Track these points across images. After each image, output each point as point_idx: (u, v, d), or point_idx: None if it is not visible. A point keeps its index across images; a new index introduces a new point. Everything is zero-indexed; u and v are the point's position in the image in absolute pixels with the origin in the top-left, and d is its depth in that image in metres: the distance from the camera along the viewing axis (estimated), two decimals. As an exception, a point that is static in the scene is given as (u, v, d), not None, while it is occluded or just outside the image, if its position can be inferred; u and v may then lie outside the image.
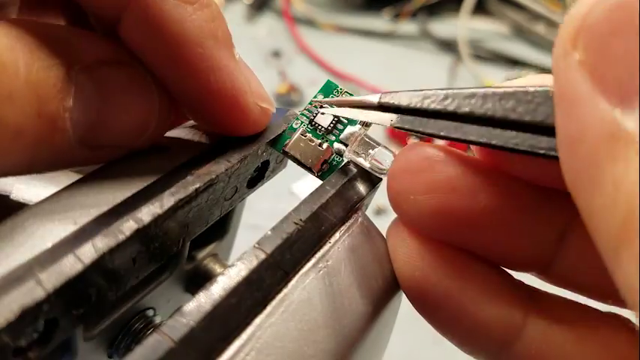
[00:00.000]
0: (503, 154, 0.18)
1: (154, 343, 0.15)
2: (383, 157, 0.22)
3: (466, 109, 0.18)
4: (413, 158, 0.20)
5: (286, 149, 0.22)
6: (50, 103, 0.17)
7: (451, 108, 0.18)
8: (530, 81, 0.19)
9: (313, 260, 0.19)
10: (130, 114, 0.20)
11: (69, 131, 0.18)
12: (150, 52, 0.20)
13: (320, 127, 0.23)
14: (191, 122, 0.24)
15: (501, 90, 0.17)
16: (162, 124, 0.21)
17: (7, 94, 0.16)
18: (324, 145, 0.22)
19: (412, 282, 0.20)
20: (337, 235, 0.20)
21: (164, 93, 0.21)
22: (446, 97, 0.18)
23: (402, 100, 0.20)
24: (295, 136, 0.23)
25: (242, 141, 0.22)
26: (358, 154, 0.22)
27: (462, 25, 0.92)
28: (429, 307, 0.20)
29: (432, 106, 0.19)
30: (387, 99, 0.20)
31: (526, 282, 0.21)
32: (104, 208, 0.18)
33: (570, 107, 0.14)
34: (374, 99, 0.20)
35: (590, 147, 0.13)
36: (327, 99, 0.23)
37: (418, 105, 0.19)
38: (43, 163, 0.19)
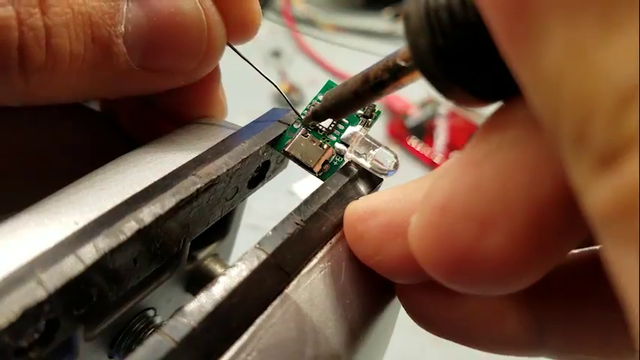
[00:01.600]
0: None
1: (155, 344, 0.15)
2: (384, 158, 0.22)
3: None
4: (352, 222, 0.19)
5: (287, 149, 0.22)
6: (102, 29, 0.19)
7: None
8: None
9: (314, 260, 0.19)
10: (182, 38, 0.21)
11: (124, 56, 0.20)
12: None
13: (321, 127, 0.23)
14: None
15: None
16: (214, 45, 0.22)
17: (63, 22, 0.18)
18: (325, 146, 0.22)
19: (424, 319, 0.19)
20: (338, 234, 0.20)
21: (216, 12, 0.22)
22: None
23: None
24: (296, 137, 0.23)
25: (243, 141, 0.22)
26: (359, 155, 0.22)
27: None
28: (444, 334, 0.19)
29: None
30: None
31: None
32: (105, 208, 0.18)
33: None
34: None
35: None
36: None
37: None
38: (104, 87, 0.21)
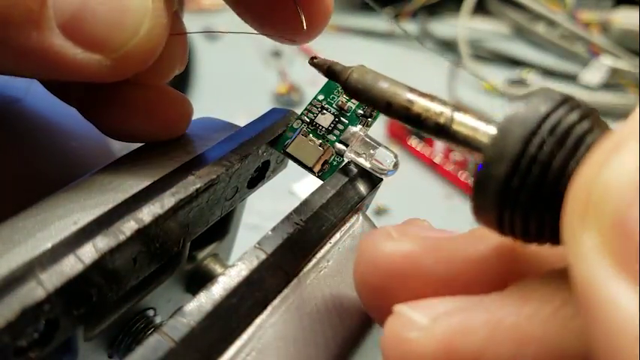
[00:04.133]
0: None
1: (154, 343, 0.15)
2: (383, 158, 0.22)
3: None
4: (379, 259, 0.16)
5: (287, 149, 0.22)
6: None
7: None
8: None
9: (314, 260, 0.19)
10: (120, 10, 0.18)
11: (49, 15, 0.17)
12: None
13: (320, 127, 0.23)
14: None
15: None
16: (158, 24, 0.19)
17: None
18: (325, 146, 0.22)
19: None
20: (338, 235, 0.20)
21: None
22: None
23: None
24: (296, 137, 0.23)
25: (242, 141, 0.22)
26: (359, 154, 0.22)
27: (462, 25, 0.92)
28: None
29: None
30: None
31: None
32: (105, 208, 0.18)
33: (596, 312, 0.10)
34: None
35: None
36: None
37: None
38: (22, 56, 0.17)
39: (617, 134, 0.12)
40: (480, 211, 0.14)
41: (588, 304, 0.11)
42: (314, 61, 0.19)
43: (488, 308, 0.14)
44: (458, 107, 0.16)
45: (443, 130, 0.16)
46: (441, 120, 0.16)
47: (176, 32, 0.20)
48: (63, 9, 0.17)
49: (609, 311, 0.10)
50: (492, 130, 0.15)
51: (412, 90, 0.17)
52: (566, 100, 0.14)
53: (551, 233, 0.13)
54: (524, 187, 0.13)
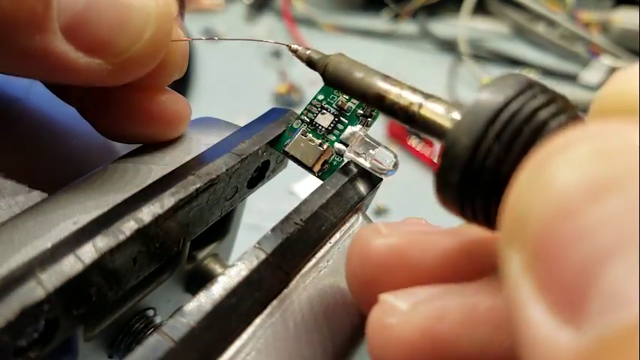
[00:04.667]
0: None
1: (154, 343, 0.15)
2: (383, 157, 0.22)
3: None
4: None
5: (287, 149, 0.22)
6: None
7: None
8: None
9: (314, 260, 0.19)
10: (122, 12, 0.18)
11: (52, 18, 0.17)
12: None
13: (320, 127, 0.23)
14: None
15: None
16: (162, 29, 0.19)
17: None
18: (325, 145, 0.22)
19: None
20: (338, 235, 0.20)
21: None
22: None
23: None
24: (296, 137, 0.23)
25: (242, 141, 0.22)
26: (358, 154, 0.22)
27: (462, 25, 0.92)
28: None
29: None
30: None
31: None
32: (104, 208, 0.18)
33: (519, 335, 0.11)
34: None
35: None
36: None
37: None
38: (24, 59, 0.17)
39: (557, 141, 0.11)
40: (442, 196, 0.14)
41: (513, 324, 0.11)
42: (295, 52, 0.20)
43: (464, 294, 0.14)
44: (429, 96, 0.16)
45: (412, 118, 0.16)
46: (411, 108, 0.16)
47: (177, 39, 0.20)
48: (66, 12, 0.17)
49: (529, 338, 0.10)
50: (457, 117, 0.15)
51: (386, 78, 0.17)
52: (532, 85, 0.13)
53: None
54: (482, 173, 0.13)
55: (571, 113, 0.13)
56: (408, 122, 0.16)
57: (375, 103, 0.17)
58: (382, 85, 0.16)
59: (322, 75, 0.18)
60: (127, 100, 0.21)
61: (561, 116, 0.13)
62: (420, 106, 0.16)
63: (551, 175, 0.10)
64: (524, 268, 0.10)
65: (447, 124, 0.15)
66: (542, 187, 0.10)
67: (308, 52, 0.19)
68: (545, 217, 0.10)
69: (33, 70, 0.18)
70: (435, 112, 0.15)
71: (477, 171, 0.13)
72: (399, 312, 0.15)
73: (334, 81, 0.18)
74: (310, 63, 0.19)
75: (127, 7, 0.18)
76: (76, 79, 0.18)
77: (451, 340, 0.14)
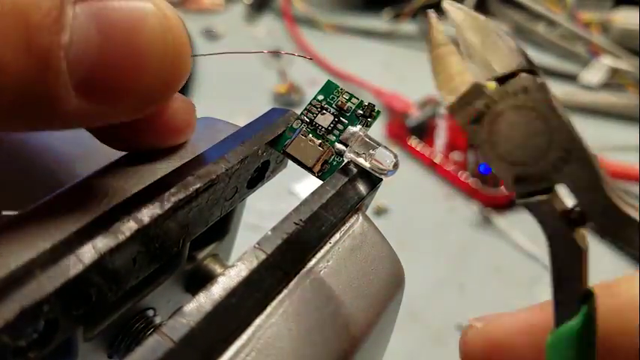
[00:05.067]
0: None
1: (153, 344, 0.15)
2: (383, 158, 0.22)
3: None
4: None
5: (286, 150, 0.22)
6: (43, 35, 0.14)
7: None
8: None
9: (314, 260, 0.19)
10: (139, 62, 0.17)
11: (64, 74, 0.15)
12: None
13: (320, 127, 0.23)
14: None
15: None
16: (183, 55, 0.18)
17: None
18: (325, 146, 0.22)
19: None
20: (337, 235, 0.20)
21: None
22: None
23: None
24: (295, 137, 0.23)
25: (242, 141, 0.22)
26: (359, 155, 0.22)
27: (462, 25, 0.91)
28: None
29: None
30: None
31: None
32: (104, 208, 0.18)
33: None
34: None
35: None
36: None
37: None
38: (32, 114, 0.16)
39: None
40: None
41: None
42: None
43: None
44: None
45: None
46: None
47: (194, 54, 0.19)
48: (79, 70, 0.16)
49: None
50: None
51: None
52: None
53: None
54: None
55: None
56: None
57: None
58: None
59: None
60: None
61: None
62: None
63: None
64: None
65: None
66: None
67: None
68: None
69: (41, 129, 0.17)
70: None
71: None
72: None
73: None
74: None
75: (143, 46, 0.16)
76: (89, 125, 0.18)
77: None
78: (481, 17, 0.16)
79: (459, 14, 0.16)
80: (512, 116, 0.15)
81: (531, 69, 0.15)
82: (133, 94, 0.17)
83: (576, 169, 0.14)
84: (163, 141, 0.21)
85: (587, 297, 0.16)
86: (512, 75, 0.15)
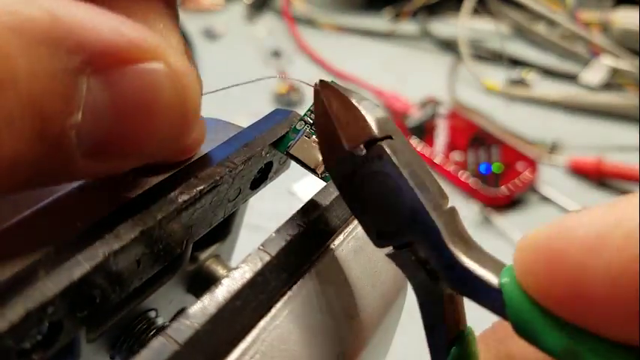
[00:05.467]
0: None
1: (158, 346, 0.15)
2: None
3: None
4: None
5: (290, 151, 0.22)
6: (55, 122, 0.14)
7: None
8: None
9: (317, 263, 0.19)
10: (152, 127, 0.16)
11: (74, 147, 0.15)
12: None
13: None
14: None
15: None
16: (194, 111, 0.17)
17: (6, 115, 0.13)
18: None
19: None
20: (341, 237, 0.20)
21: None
22: None
23: None
24: (299, 138, 0.23)
25: (246, 142, 0.22)
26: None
27: (462, 25, 0.92)
28: None
29: None
30: None
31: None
32: (108, 210, 0.18)
33: None
34: None
35: None
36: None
37: None
38: (39, 184, 0.16)
39: None
40: None
41: None
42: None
43: None
44: None
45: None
46: None
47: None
48: (88, 140, 0.15)
49: None
50: None
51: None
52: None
53: None
54: None
55: None
56: None
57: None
58: None
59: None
60: None
61: None
62: None
63: None
64: None
65: None
66: None
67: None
68: None
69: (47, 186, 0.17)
70: None
71: None
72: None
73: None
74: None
75: (156, 112, 0.16)
76: (96, 178, 0.18)
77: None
78: (346, 95, 0.18)
79: (327, 93, 0.18)
80: (371, 180, 0.17)
81: (387, 136, 0.17)
82: (143, 152, 0.17)
83: (422, 229, 0.16)
84: (173, 159, 0.21)
85: (458, 338, 0.17)
86: (373, 141, 0.17)
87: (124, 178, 0.20)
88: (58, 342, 0.16)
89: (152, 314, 0.24)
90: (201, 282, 0.26)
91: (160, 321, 0.24)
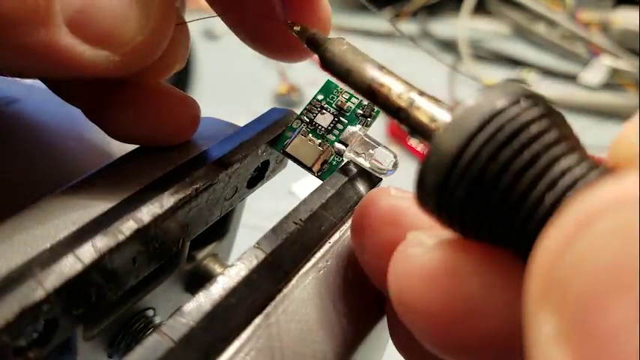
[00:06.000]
0: None
1: (154, 343, 0.15)
2: (383, 157, 0.22)
3: None
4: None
5: (286, 149, 0.22)
6: None
7: None
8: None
9: (313, 260, 0.19)
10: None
11: (56, 11, 0.17)
12: None
13: (320, 127, 0.23)
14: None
15: None
16: (165, 16, 0.19)
17: None
18: (324, 146, 0.22)
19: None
20: (337, 235, 0.20)
21: None
22: None
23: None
24: (295, 136, 0.23)
25: (242, 141, 0.22)
26: (358, 154, 0.22)
27: (462, 25, 0.92)
28: None
29: None
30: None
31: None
32: (104, 208, 0.18)
33: None
34: None
35: None
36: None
37: None
38: (30, 55, 0.17)
39: (597, 198, 0.10)
40: (422, 203, 0.14)
41: None
42: (294, 29, 0.19)
43: None
44: (422, 93, 0.15)
45: (400, 113, 0.15)
46: (401, 103, 0.15)
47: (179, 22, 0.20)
48: (71, 5, 0.17)
49: None
50: (446, 120, 0.14)
51: (382, 69, 0.17)
52: (528, 96, 0.13)
53: (489, 234, 0.13)
54: (461, 184, 0.12)
55: (564, 130, 0.13)
56: (397, 118, 0.16)
57: (367, 95, 0.16)
58: (376, 78, 0.16)
59: (321, 57, 0.18)
60: (135, 99, 0.21)
61: (552, 132, 0.12)
62: (411, 103, 0.15)
63: (588, 252, 0.10)
64: (559, 338, 0.10)
65: (433, 126, 0.15)
66: (581, 261, 0.10)
67: (310, 32, 0.19)
68: (588, 295, 0.09)
69: (39, 67, 0.18)
70: (424, 111, 0.15)
71: (456, 182, 0.13)
72: (425, 245, 0.14)
73: (331, 65, 0.18)
74: (311, 42, 0.19)
75: None
76: (83, 72, 0.18)
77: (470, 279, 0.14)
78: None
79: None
80: None
81: None
82: (122, 38, 0.18)
83: None
84: (165, 135, 0.21)
85: None
86: None
87: (122, 174, 0.20)
88: (54, 340, 0.16)
89: (150, 313, 0.24)
90: (199, 281, 0.26)
91: (157, 320, 0.24)
